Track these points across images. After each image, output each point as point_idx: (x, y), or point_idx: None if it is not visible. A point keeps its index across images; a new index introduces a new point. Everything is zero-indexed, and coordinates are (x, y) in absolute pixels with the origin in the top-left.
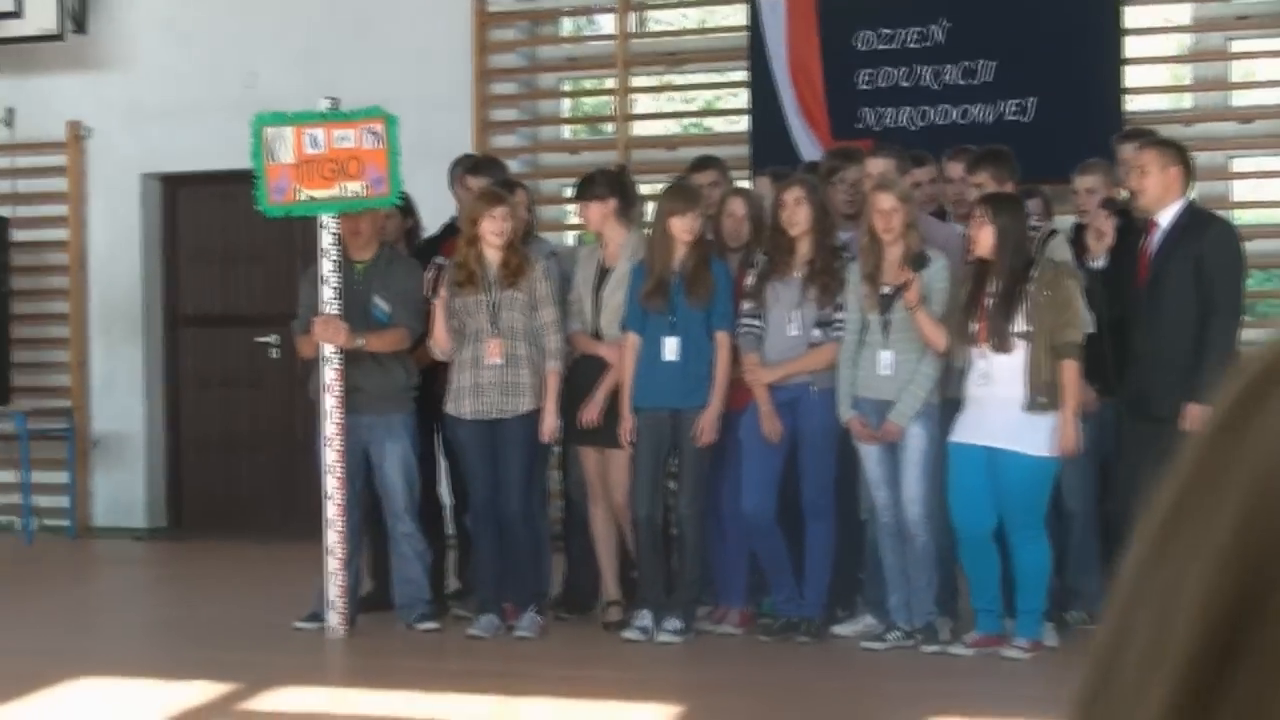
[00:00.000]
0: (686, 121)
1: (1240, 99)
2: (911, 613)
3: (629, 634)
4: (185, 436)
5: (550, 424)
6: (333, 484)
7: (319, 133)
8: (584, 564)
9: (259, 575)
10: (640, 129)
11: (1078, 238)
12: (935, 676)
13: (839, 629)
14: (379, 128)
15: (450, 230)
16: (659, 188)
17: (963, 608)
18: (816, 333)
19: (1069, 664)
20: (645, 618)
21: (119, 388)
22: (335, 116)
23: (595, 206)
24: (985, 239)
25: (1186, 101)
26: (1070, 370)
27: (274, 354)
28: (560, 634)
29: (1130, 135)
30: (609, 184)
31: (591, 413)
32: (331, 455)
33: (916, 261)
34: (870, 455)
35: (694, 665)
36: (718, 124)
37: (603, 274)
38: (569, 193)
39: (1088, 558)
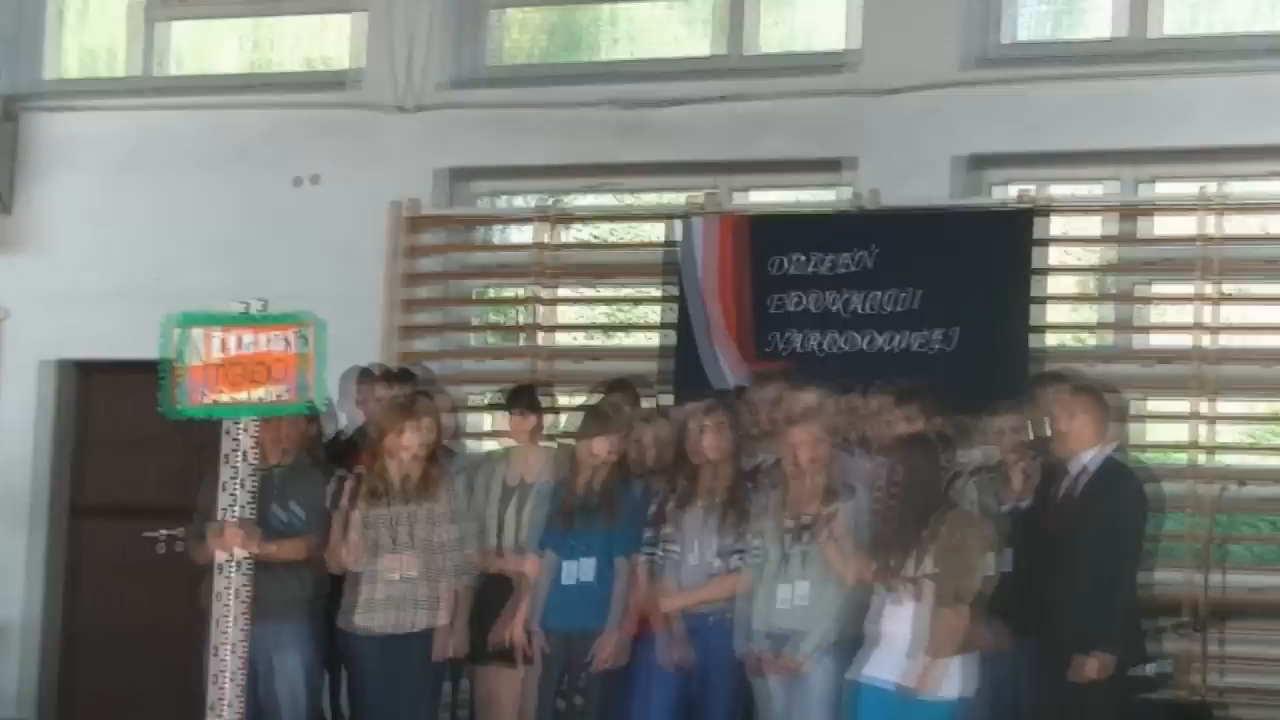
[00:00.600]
0: (603, 335)
1: (1148, 341)
2: None
3: None
4: (79, 628)
5: (451, 641)
6: (216, 694)
7: (237, 335)
8: None
9: None
10: (557, 339)
11: (995, 477)
12: None
13: None
14: (302, 331)
15: (358, 437)
16: (573, 400)
17: None
18: (726, 561)
19: None
20: None
21: (8, 575)
22: (260, 319)
23: (522, 420)
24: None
25: (1097, 341)
26: (956, 617)
27: (175, 547)
28: None
29: (1051, 378)
30: (533, 400)
31: (505, 633)
32: (226, 662)
33: (832, 495)
34: (772, 688)
35: None
36: (636, 339)
37: (512, 490)
38: (485, 399)
39: None
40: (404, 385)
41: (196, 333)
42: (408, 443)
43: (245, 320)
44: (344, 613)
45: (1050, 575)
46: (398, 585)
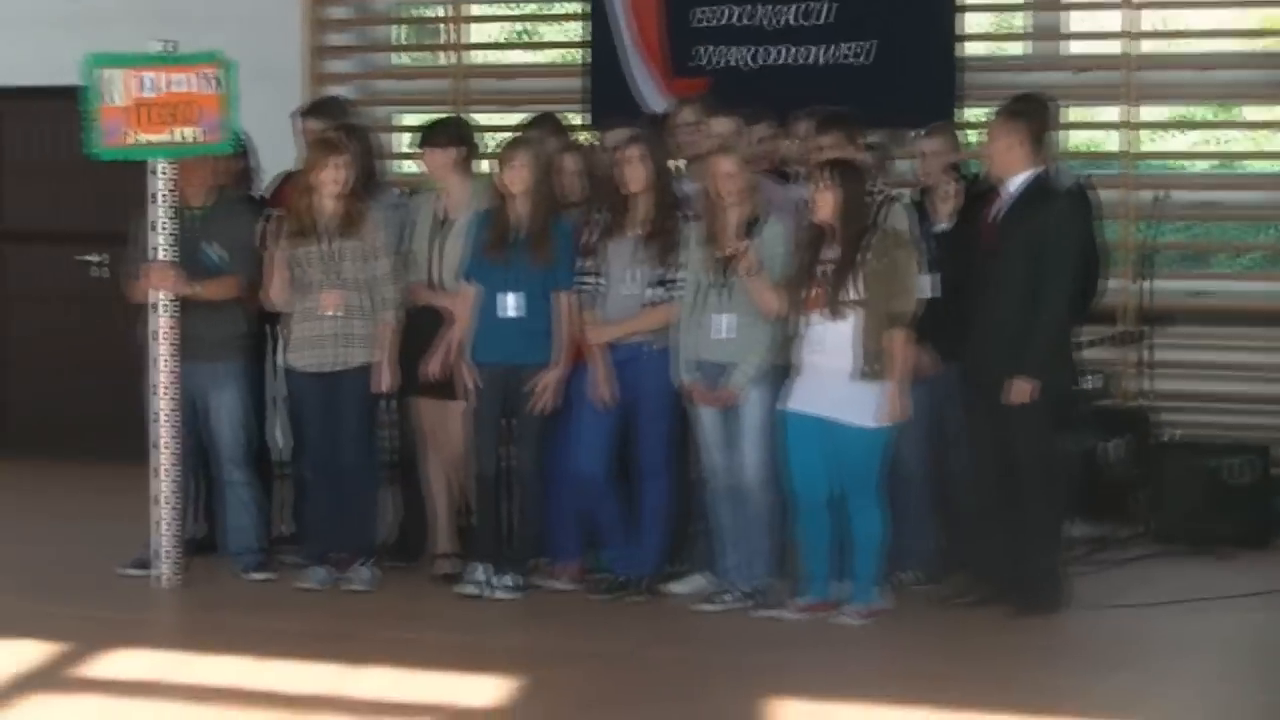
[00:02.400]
0: (522, 53)
1: (1075, 48)
2: (746, 575)
3: (464, 589)
4: (9, 355)
5: (386, 375)
6: (164, 432)
7: (154, 76)
8: (416, 512)
9: (86, 505)
10: (476, 57)
11: (922, 200)
12: (768, 646)
13: (673, 587)
14: (216, 72)
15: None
16: (494, 119)
17: (795, 567)
18: (655, 292)
19: (901, 628)
20: (480, 572)
21: None
22: (171, 60)
23: (438, 155)
24: (826, 204)
25: (1021, 49)
26: (898, 340)
27: (104, 273)
28: (392, 586)
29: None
30: (452, 133)
31: (433, 366)
32: (163, 404)
33: (747, 230)
34: (706, 418)
35: (527, 628)
36: (555, 55)
37: (441, 224)
38: (405, 121)
39: (922, 519)
40: (328, 118)
41: (116, 73)
42: (327, 179)
43: (163, 60)
44: (283, 350)
45: (978, 299)
46: (329, 322)
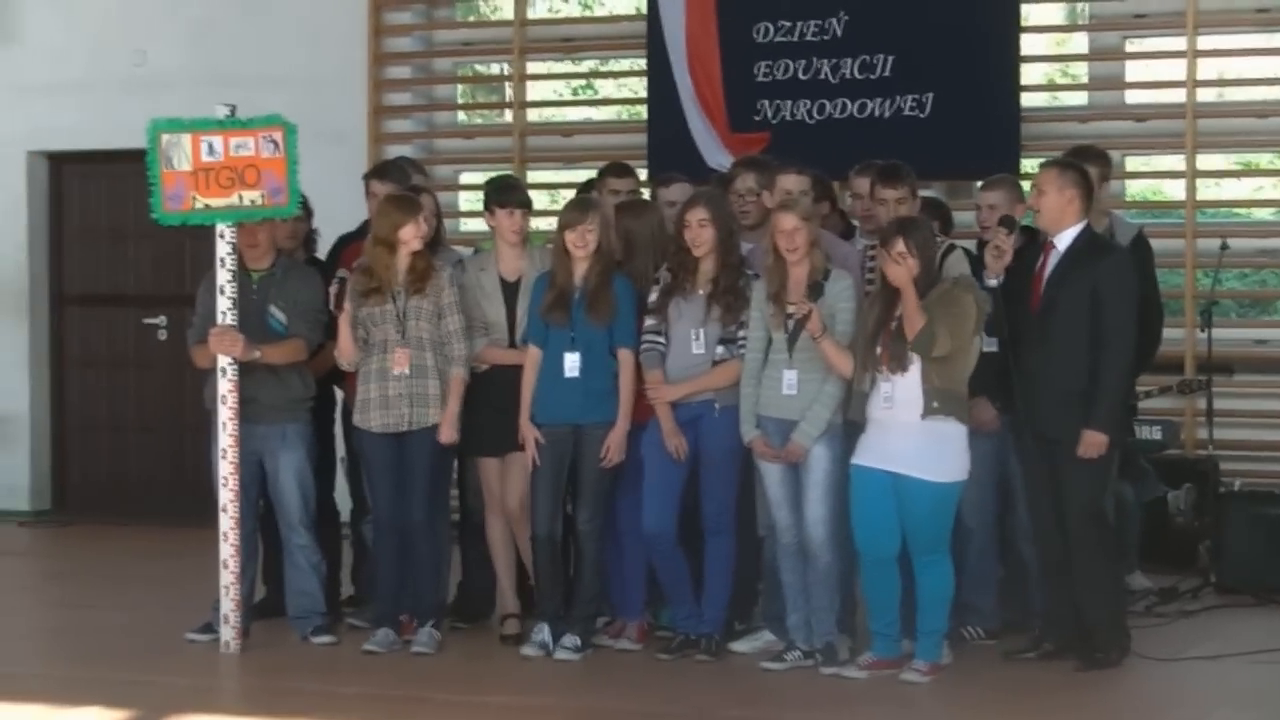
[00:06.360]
0: (582, 110)
1: (1135, 98)
2: (811, 632)
3: (527, 650)
4: (71, 418)
5: (450, 429)
6: (227, 497)
7: (216, 140)
8: (479, 572)
9: (149, 569)
10: (536, 115)
11: (979, 252)
12: (834, 705)
13: (737, 646)
14: (278, 136)
15: (364, 231)
16: (552, 176)
17: (860, 624)
18: (720, 350)
19: (967, 684)
20: (543, 632)
21: (2, 367)
22: (233, 124)
23: (521, 215)
24: (903, 272)
25: (1082, 99)
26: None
27: (162, 335)
28: (456, 647)
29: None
30: (527, 196)
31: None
32: (226, 468)
33: (813, 291)
34: (772, 475)
35: (591, 688)
36: (615, 111)
37: (505, 285)
38: (463, 179)
39: (984, 575)
40: (395, 180)
41: (179, 138)
42: (410, 235)
43: (225, 124)
44: (355, 411)
45: (1030, 352)
46: (403, 381)
